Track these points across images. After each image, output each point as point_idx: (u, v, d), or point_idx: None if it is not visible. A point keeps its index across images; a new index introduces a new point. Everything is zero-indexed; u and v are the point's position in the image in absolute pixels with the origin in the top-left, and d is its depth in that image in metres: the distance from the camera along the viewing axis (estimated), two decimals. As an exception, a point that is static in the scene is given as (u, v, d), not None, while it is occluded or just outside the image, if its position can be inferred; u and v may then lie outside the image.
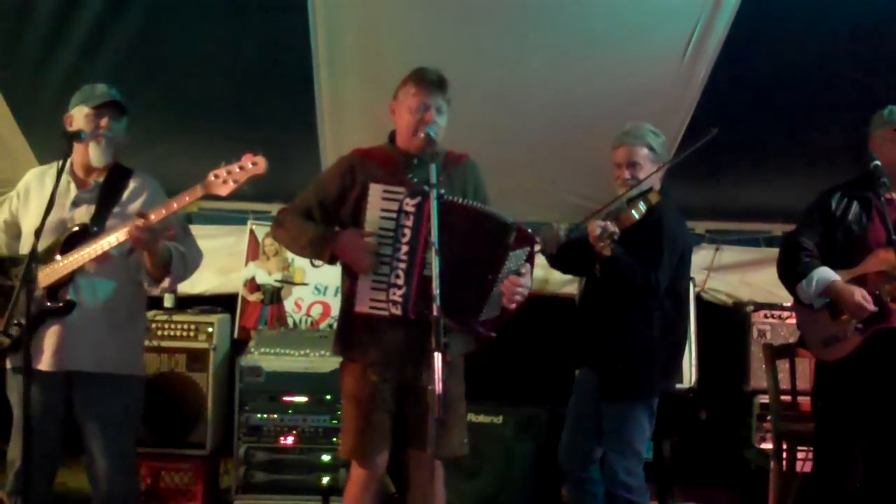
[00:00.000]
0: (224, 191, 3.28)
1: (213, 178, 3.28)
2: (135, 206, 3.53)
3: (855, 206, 3.66)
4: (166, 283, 3.55)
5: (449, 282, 2.87)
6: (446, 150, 3.44)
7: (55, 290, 3.41)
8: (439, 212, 2.96)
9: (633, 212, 3.61)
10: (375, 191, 3.23)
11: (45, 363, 3.40)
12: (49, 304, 3.40)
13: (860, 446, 3.64)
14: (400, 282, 3.20)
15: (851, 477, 3.65)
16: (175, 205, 3.32)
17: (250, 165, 3.27)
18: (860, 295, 3.49)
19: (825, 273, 3.59)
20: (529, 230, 3.26)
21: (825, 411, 3.73)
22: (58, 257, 3.40)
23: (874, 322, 3.52)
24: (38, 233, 3.15)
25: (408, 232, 3.20)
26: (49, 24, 4.11)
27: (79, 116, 3.50)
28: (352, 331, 3.37)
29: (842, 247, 3.65)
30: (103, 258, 3.40)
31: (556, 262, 4.02)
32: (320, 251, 3.31)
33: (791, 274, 3.71)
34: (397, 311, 3.20)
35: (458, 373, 3.42)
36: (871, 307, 3.48)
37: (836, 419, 3.66)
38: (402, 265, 3.21)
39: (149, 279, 3.53)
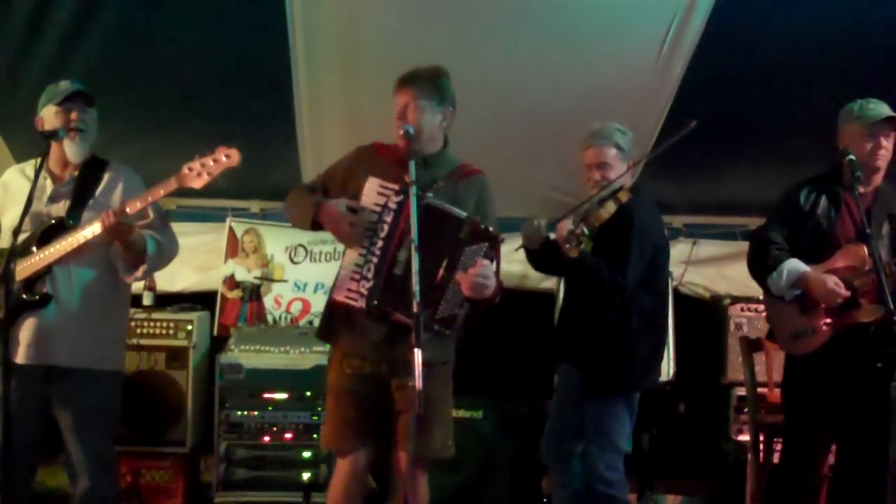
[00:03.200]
0: (198, 183, 3.30)
1: (187, 171, 3.31)
2: (111, 198, 3.55)
3: (823, 201, 3.68)
4: (140, 271, 3.56)
5: (406, 279, 2.90)
6: (460, 162, 3.46)
7: (31, 283, 3.42)
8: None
9: (603, 212, 3.62)
10: (372, 184, 3.27)
11: (20, 356, 3.40)
12: (25, 296, 3.40)
13: (827, 439, 3.68)
14: (370, 275, 3.24)
15: (817, 468, 3.69)
16: (150, 197, 3.35)
17: (224, 158, 3.31)
18: (832, 282, 3.50)
19: (796, 264, 3.61)
20: (490, 228, 3.22)
21: (794, 404, 3.75)
22: (34, 250, 3.41)
23: (843, 316, 3.54)
24: (16, 232, 3.16)
25: (386, 228, 3.23)
26: (24, 23, 4.08)
27: (49, 116, 3.51)
28: (331, 317, 3.42)
29: (810, 241, 3.67)
30: (80, 251, 3.42)
31: (535, 261, 4.02)
32: (305, 217, 3.33)
33: (761, 267, 3.72)
34: (361, 304, 3.24)
35: (442, 375, 3.40)
36: (844, 292, 3.49)
37: (804, 413, 3.69)
38: (375, 259, 3.24)
39: (124, 266, 3.54)
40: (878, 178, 3.68)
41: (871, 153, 3.60)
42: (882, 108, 3.61)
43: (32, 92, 3.61)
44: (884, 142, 3.61)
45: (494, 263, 3.24)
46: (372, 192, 3.26)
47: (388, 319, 3.22)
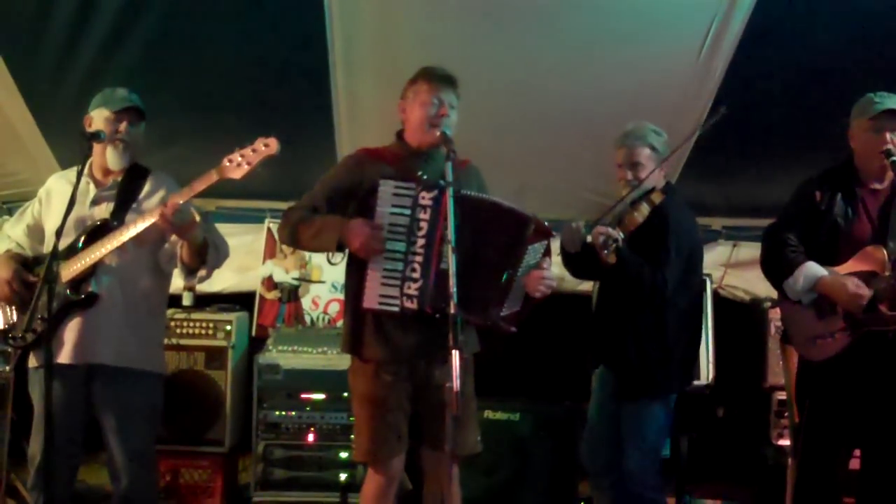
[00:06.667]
0: (238, 174, 3.30)
1: (227, 163, 3.31)
2: (151, 204, 3.57)
3: (839, 199, 3.53)
4: (203, 271, 3.59)
5: (469, 276, 2.87)
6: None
7: (77, 283, 3.46)
8: (458, 207, 2.96)
9: (637, 215, 3.59)
10: (386, 187, 3.19)
11: (65, 356, 3.44)
12: (70, 295, 3.45)
13: (849, 445, 3.58)
14: (416, 275, 3.15)
15: (838, 474, 3.56)
16: (192, 191, 3.34)
17: (263, 147, 3.30)
18: (853, 284, 3.36)
19: (813, 268, 3.47)
20: (546, 223, 3.26)
21: (813, 410, 3.58)
22: (80, 252, 3.45)
23: (863, 322, 3.40)
24: (59, 232, 3.19)
25: (424, 225, 3.16)
26: (68, 25, 4.14)
27: (98, 119, 3.56)
28: (361, 329, 3.33)
29: (826, 241, 3.52)
30: (124, 252, 3.46)
31: (572, 267, 3.98)
32: (328, 238, 3.24)
33: (777, 270, 3.60)
34: (412, 305, 3.14)
35: (470, 370, 3.41)
36: (868, 292, 3.34)
37: (825, 419, 3.53)
38: (419, 258, 3.15)
39: (186, 270, 3.58)
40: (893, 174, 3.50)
41: (877, 148, 3.44)
42: (888, 101, 3.46)
43: (76, 96, 3.67)
44: (889, 136, 3.44)
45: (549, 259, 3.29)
46: (387, 194, 3.18)
47: (443, 317, 2.99)
